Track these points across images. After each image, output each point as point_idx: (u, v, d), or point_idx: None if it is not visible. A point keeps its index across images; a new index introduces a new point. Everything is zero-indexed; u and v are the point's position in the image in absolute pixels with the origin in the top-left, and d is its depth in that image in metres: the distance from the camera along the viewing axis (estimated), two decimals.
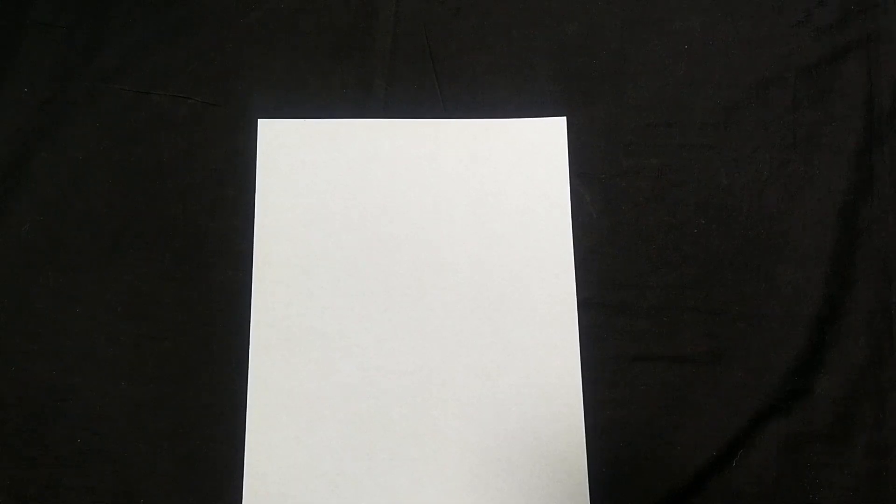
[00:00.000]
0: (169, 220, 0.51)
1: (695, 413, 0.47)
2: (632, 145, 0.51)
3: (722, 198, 0.50)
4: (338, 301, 0.49)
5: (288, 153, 0.51)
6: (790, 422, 0.47)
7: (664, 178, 0.51)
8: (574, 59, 0.53)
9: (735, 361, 0.48)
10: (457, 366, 0.48)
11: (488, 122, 0.51)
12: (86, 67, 0.54)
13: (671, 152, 0.51)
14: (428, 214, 0.50)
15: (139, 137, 0.53)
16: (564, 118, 0.51)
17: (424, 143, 0.51)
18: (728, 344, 0.48)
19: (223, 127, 0.53)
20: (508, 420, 0.47)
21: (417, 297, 0.49)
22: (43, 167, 0.52)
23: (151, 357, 0.49)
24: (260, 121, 0.52)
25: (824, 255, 0.49)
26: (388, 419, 0.47)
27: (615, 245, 0.50)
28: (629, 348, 0.48)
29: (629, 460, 0.47)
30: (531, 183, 0.50)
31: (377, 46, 0.54)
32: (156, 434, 0.47)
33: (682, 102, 0.52)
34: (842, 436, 0.47)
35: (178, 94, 0.53)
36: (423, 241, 0.50)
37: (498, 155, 0.51)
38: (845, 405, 0.47)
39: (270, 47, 0.54)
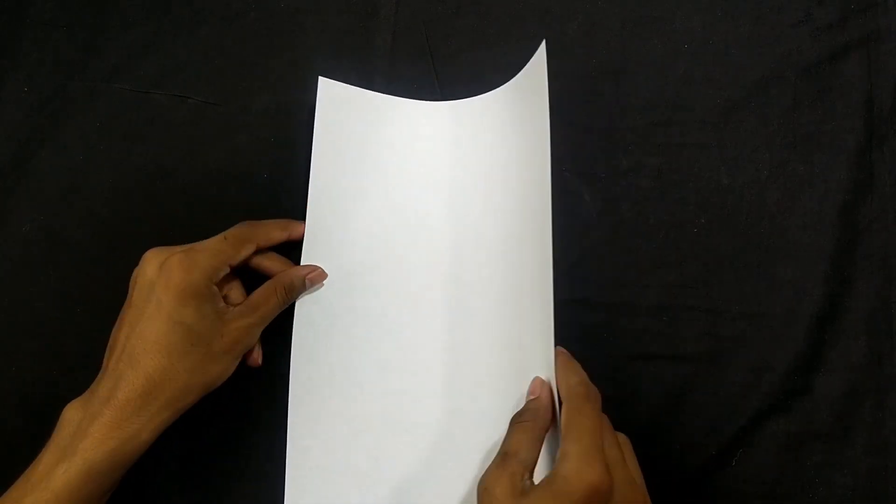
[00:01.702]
0: (169, 220, 0.51)
1: (695, 412, 0.47)
2: (632, 145, 0.51)
3: (722, 197, 0.50)
4: (378, 279, 0.49)
5: (343, 119, 0.51)
6: (790, 421, 0.47)
7: (664, 177, 0.51)
8: (574, 58, 0.53)
9: (735, 361, 0.48)
10: (487, 344, 0.47)
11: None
12: (86, 67, 0.54)
13: (671, 151, 0.51)
14: (468, 195, 0.50)
15: (139, 137, 0.53)
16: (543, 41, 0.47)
17: (465, 124, 0.51)
18: (728, 343, 0.48)
19: (223, 127, 0.53)
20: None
21: (455, 275, 0.49)
22: (43, 167, 0.52)
23: None
24: (321, 79, 0.52)
25: (824, 254, 0.49)
26: (423, 394, 0.47)
27: (615, 245, 0.50)
28: (629, 348, 0.48)
29: None
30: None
31: (377, 45, 0.54)
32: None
33: (683, 101, 0.52)
34: (842, 435, 0.47)
35: (178, 94, 0.53)
36: (461, 222, 0.50)
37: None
38: (845, 404, 0.47)
39: (270, 46, 0.54)
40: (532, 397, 0.42)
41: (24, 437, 0.48)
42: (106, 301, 0.50)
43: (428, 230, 0.50)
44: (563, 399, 0.39)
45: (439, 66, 0.53)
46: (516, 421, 0.40)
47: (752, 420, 0.47)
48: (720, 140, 0.51)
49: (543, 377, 0.43)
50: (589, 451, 0.36)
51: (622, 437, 0.41)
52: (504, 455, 0.38)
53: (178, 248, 0.43)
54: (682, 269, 0.49)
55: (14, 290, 0.50)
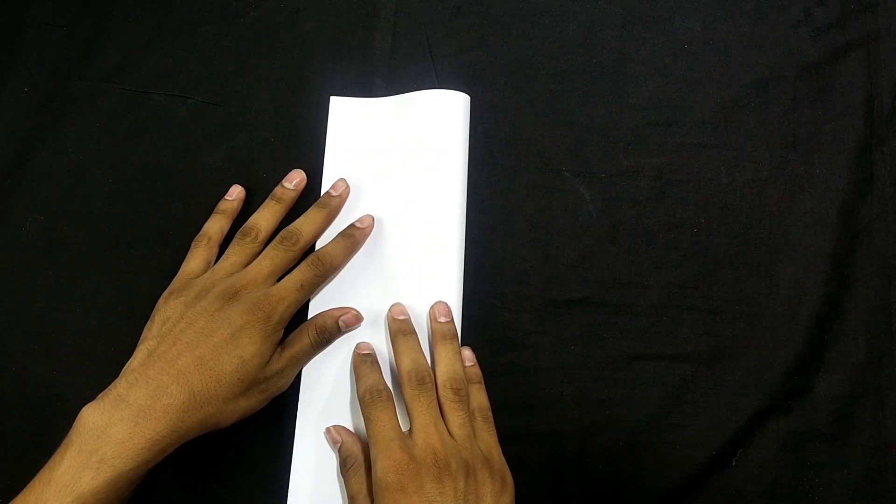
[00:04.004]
0: (169, 220, 0.51)
1: (695, 412, 0.47)
2: (632, 145, 0.51)
3: (722, 197, 0.50)
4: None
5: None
6: (790, 421, 0.47)
7: (664, 177, 0.51)
8: (574, 58, 0.53)
9: (735, 361, 0.48)
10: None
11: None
12: (86, 67, 0.54)
13: (671, 151, 0.51)
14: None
15: (139, 137, 0.53)
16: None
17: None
18: (728, 343, 0.48)
19: (223, 127, 0.53)
20: None
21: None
22: (43, 167, 0.52)
23: None
24: (332, 98, 0.52)
25: (824, 255, 0.49)
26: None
27: (615, 245, 0.50)
28: (629, 348, 0.48)
29: (629, 459, 0.47)
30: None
31: (377, 45, 0.54)
32: None
33: (682, 101, 0.52)
34: (841, 435, 0.47)
35: (178, 94, 0.53)
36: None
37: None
38: (845, 404, 0.47)
39: (270, 46, 0.54)
40: (336, 446, 0.46)
41: (24, 437, 0.48)
42: (106, 301, 0.50)
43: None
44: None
45: (439, 66, 0.53)
46: (345, 471, 0.44)
47: (752, 420, 0.47)
48: (720, 140, 0.51)
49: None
50: (384, 448, 0.41)
51: (482, 412, 0.45)
52: (351, 498, 0.44)
53: (262, 291, 0.44)
54: (682, 269, 0.49)
55: (14, 290, 0.50)
